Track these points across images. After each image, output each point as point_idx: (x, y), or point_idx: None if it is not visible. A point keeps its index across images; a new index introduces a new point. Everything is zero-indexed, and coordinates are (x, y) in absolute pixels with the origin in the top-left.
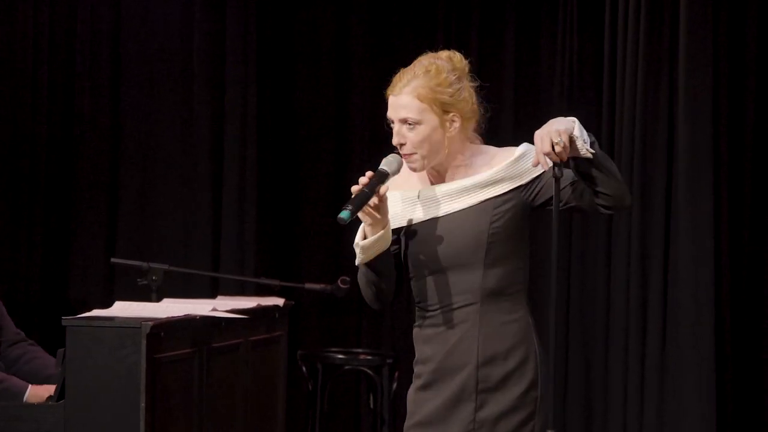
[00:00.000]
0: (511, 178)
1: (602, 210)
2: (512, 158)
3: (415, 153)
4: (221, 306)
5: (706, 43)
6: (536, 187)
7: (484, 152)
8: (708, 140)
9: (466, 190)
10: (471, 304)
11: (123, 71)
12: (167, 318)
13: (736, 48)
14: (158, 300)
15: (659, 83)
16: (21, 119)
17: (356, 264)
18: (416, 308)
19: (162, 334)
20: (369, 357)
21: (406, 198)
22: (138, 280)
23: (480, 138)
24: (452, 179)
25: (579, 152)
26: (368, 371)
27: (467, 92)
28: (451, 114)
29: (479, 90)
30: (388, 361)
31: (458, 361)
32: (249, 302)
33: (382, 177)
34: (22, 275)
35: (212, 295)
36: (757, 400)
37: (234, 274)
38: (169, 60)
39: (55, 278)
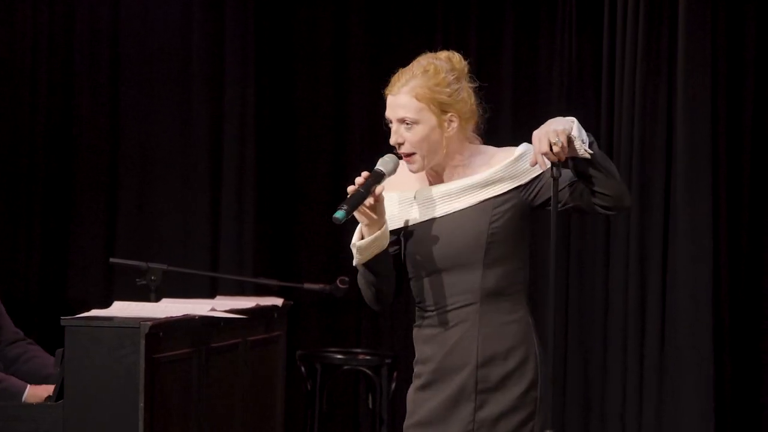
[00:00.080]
0: (510, 178)
1: (601, 210)
2: (512, 158)
3: (415, 153)
4: (220, 306)
5: (705, 43)
6: (536, 187)
7: (483, 152)
8: (706, 141)
9: (466, 190)
10: (470, 304)
11: (122, 71)
12: (166, 318)
13: (735, 49)
14: (157, 300)
15: (658, 84)
16: (20, 119)
17: (354, 265)
18: (416, 308)
19: (161, 334)
20: (368, 357)
21: (405, 198)
22: (137, 280)
23: (479, 138)
24: (451, 179)
25: (577, 152)
26: (367, 371)
27: (466, 92)
28: (449, 114)
29: (478, 90)
30: (387, 361)
31: (458, 361)
32: (248, 302)
33: (378, 177)
34: (21, 275)
35: (211, 295)
36: (756, 400)
37: (233, 274)
38: (168, 60)
39: (54, 278)
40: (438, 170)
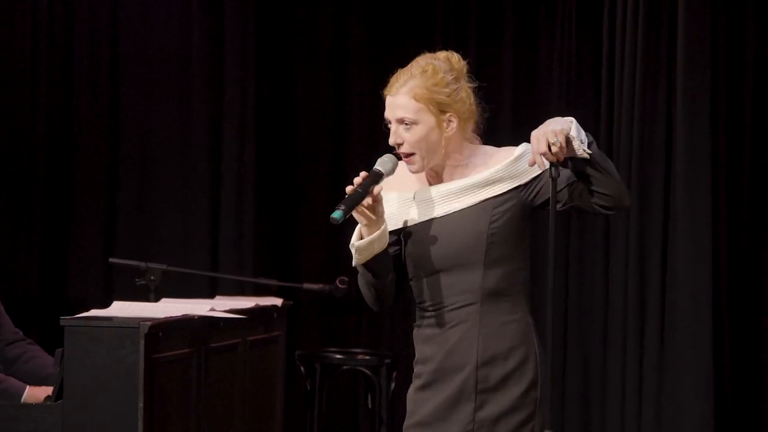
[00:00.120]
0: (510, 178)
1: (601, 210)
2: (512, 158)
3: (414, 153)
4: (219, 306)
5: (705, 44)
6: (535, 187)
7: (483, 152)
8: (706, 141)
9: (465, 190)
10: (471, 304)
11: (121, 71)
12: (165, 318)
13: (735, 49)
14: (156, 300)
15: (657, 84)
16: (20, 119)
17: (353, 265)
18: (416, 308)
19: (160, 334)
20: (367, 357)
21: (405, 199)
22: (136, 280)
23: (479, 138)
24: (451, 179)
25: (576, 152)
26: (366, 371)
27: (465, 93)
28: (448, 114)
29: (477, 91)
30: (387, 361)
31: (458, 361)
32: (247, 302)
33: (377, 177)
34: (20, 275)
35: (210, 295)
36: (756, 399)
37: (232, 274)
38: (167, 60)
39: (53, 278)
40: (437, 170)
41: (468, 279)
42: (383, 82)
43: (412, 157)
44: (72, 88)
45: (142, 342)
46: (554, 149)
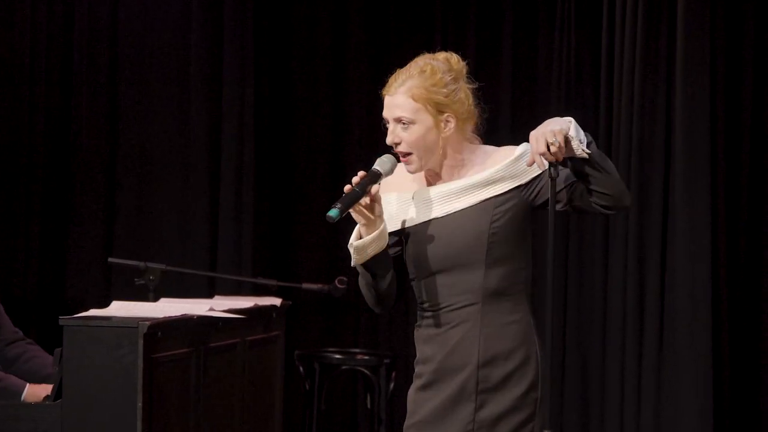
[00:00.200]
0: (511, 178)
1: (601, 210)
2: (512, 157)
3: (411, 153)
4: (218, 306)
5: (704, 43)
6: (536, 186)
7: (482, 152)
8: (705, 140)
9: (466, 190)
10: (472, 304)
11: (121, 71)
12: (164, 318)
13: (734, 48)
14: (155, 300)
15: (657, 83)
16: (19, 118)
17: (352, 265)
18: (418, 308)
19: (159, 333)
20: (366, 357)
21: (405, 199)
22: (135, 279)
23: (479, 138)
24: (450, 179)
25: (575, 152)
26: (365, 371)
27: (463, 93)
28: (446, 114)
29: (477, 92)
30: (386, 361)
31: (459, 361)
32: (246, 302)
33: (375, 177)
34: (19, 274)
35: (209, 295)
36: (754, 398)
37: (231, 273)
38: (167, 59)
39: (52, 277)
40: (437, 170)
41: (469, 279)
42: (382, 82)
43: (409, 157)
44: (71, 87)
45: (141, 342)
46: (553, 149)
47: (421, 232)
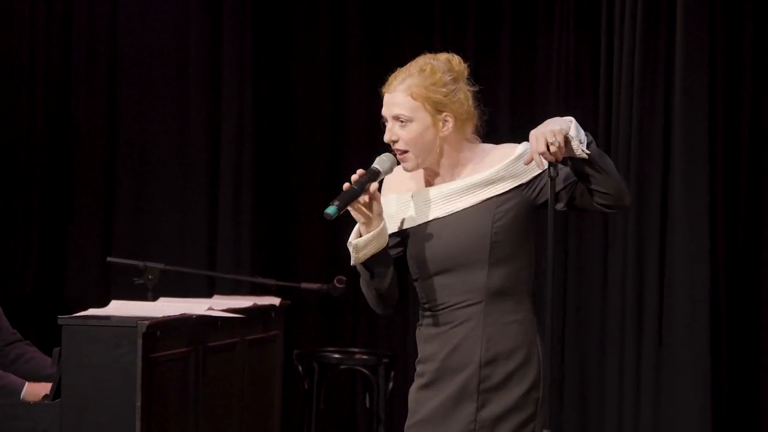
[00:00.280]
0: (512, 177)
1: (602, 209)
2: (513, 156)
3: (408, 151)
4: (217, 305)
5: (703, 41)
6: (537, 185)
7: (481, 150)
8: (704, 139)
9: (467, 190)
10: (475, 303)
11: (119, 70)
12: (163, 317)
13: (733, 46)
14: (154, 299)
15: (656, 82)
16: (17, 118)
17: (351, 264)
18: (420, 308)
19: (158, 333)
20: (365, 356)
21: (406, 200)
22: (134, 279)
23: (479, 139)
24: (451, 179)
25: (575, 152)
26: (364, 370)
27: (463, 94)
28: (444, 114)
29: (477, 95)
30: (384, 360)
31: (461, 360)
32: (245, 301)
33: (374, 175)
34: (18, 273)
35: (208, 295)
36: (753, 397)
37: (230, 273)
38: (165, 59)
39: (51, 277)
40: (438, 170)
41: (472, 278)
42: (381, 82)
43: (406, 155)
44: (70, 87)
45: (139, 341)
46: (553, 149)
47: (422, 232)
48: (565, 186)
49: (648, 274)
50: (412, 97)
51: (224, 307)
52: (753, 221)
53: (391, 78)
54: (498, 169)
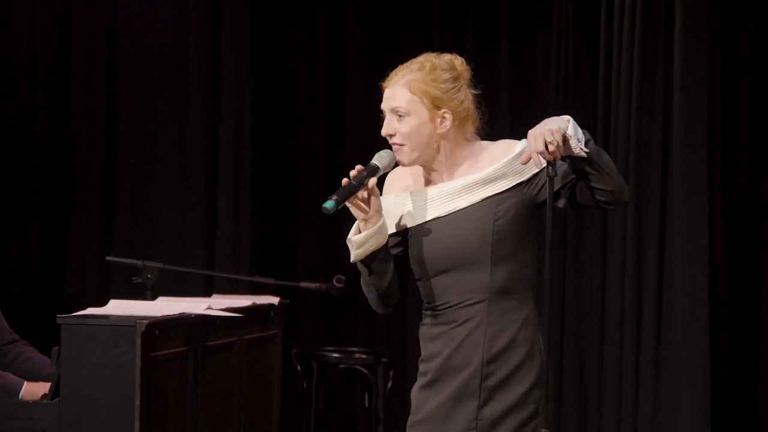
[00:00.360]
0: (512, 175)
1: (602, 205)
2: (513, 154)
3: (404, 145)
4: (216, 304)
5: (702, 40)
6: (537, 183)
7: (479, 147)
8: (703, 138)
9: (468, 188)
10: (479, 302)
11: (119, 70)
12: (162, 316)
13: (732, 45)
14: (153, 298)
15: (655, 80)
16: (17, 117)
17: (351, 261)
18: (423, 307)
19: (157, 332)
20: (364, 356)
21: (407, 200)
22: (133, 278)
23: (479, 139)
24: (451, 178)
25: (573, 151)
26: (363, 370)
27: (463, 94)
28: (443, 110)
29: (479, 97)
30: (383, 359)
31: (464, 358)
32: (244, 301)
33: (373, 171)
34: (17, 273)
35: (207, 294)
36: (752, 397)
37: (229, 272)
38: (165, 58)
39: (50, 276)
40: (437, 169)
41: (475, 277)
42: (382, 78)
43: (402, 148)
44: (69, 87)
45: (138, 340)
46: (551, 148)
47: (424, 231)
48: (565, 184)
49: (647, 273)
50: (411, 92)
51: (223, 307)
52: (752, 221)
53: (392, 73)
54: (498, 166)
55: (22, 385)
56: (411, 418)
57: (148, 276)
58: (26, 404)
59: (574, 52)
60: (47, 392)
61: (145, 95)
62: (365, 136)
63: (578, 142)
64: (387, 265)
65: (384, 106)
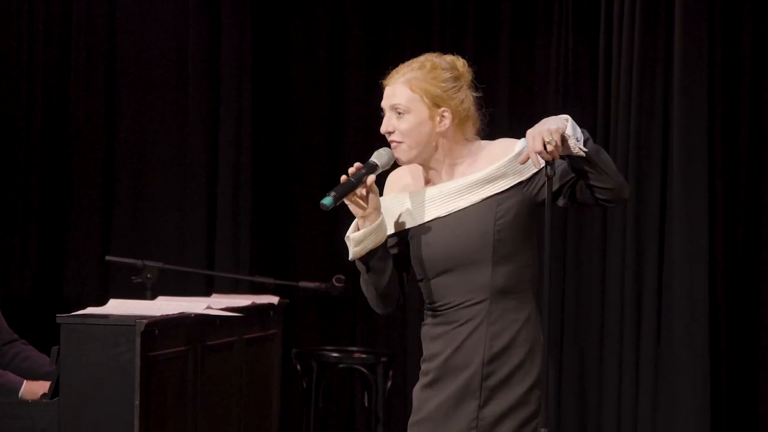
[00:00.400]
0: (512, 174)
1: (602, 203)
2: (513, 154)
3: (403, 142)
4: (216, 304)
5: (701, 40)
6: (537, 182)
7: (478, 147)
8: (703, 137)
9: (468, 188)
10: (480, 301)
11: (118, 70)
12: (162, 316)
13: (731, 45)
14: (153, 298)
15: (654, 80)
16: (16, 118)
17: (349, 259)
18: (425, 307)
19: (156, 331)
20: (363, 355)
21: (407, 200)
22: (133, 277)
23: (479, 140)
24: (451, 178)
25: (572, 151)
26: (363, 369)
27: (463, 94)
28: (442, 109)
29: (480, 99)
30: (383, 359)
31: (465, 358)
32: (244, 300)
33: (371, 168)
34: (16, 272)
35: (207, 293)
36: (752, 397)
37: (229, 272)
38: (164, 58)
39: (49, 275)
40: (437, 169)
41: (476, 277)
42: (382, 78)
43: (400, 146)
44: (69, 87)
45: (138, 340)
46: (550, 148)
47: (425, 232)
48: (565, 183)
49: (647, 273)
50: (411, 89)
51: (223, 306)
52: (752, 220)
53: (393, 72)
54: (498, 166)
55: (22, 383)
56: (412, 418)
57: (148, 275)
58: (26, 403)
59: (573, 53)
60: (47, 391)
61: (144, 95)
62: (365, 136)
63: (577, 142)
64: (386, 264)
65: (384, 103)
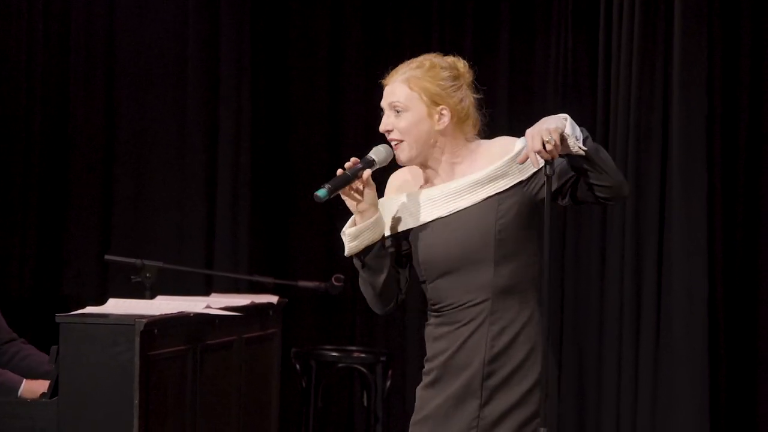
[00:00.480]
0: (514, 173)
1: (602, 201)
2: (513, 153)
3: (402, 141)
4: (215, 303)
5: (701, 36)
6: (537, 182)
7: (476, 145)
8: (702, 135)
9: (469, 188)
10: (483, 301)
11: (117, 70)
12: (161, 315)
13: (731, 42)
14: (152, 297)
15: (654, 76)
16: (15, 116)
17: (345, 255)
18: (428, 307)
19: (156, 331)
20: (362, 355)
21: (408, 200)
22: (132, 277)
23: (478, 138)
24: (451, 178)
25: (571, 150)
26: (362, 369)
27: (462, 93)
28: (441, 107)
29: (480, 101)
30: (382, 358)
31: (466, 358)
32: (243, 300)
33: (368, 163)
34: (15, 272)
35: (206, 293)
36: (751, 395)
37: (228, 271)
38: (163, 57)
39: (48, 275)
40: (437, 168)
41: (478, 276)
42: (378, 84)
43: (400, 145)
44: (68, 86)
45: (137, 339)
46: (549, 147)
47: (426, 232)
48: (565, 181)
49: (646, 269)
50: (410, 88)
51: (222, 306)
52: (751, 217)
53: (393, 71)
54: (499, 165)
55: (21, 382)
56: (414, 417)
57: (147, 275)
58: (26, 403)
59: (573, 51)
60: (46, 390)
61: (143, 95)
62: (364, 135)
63: (576, 141)
64: (383, 262)
65: (383, 102)
